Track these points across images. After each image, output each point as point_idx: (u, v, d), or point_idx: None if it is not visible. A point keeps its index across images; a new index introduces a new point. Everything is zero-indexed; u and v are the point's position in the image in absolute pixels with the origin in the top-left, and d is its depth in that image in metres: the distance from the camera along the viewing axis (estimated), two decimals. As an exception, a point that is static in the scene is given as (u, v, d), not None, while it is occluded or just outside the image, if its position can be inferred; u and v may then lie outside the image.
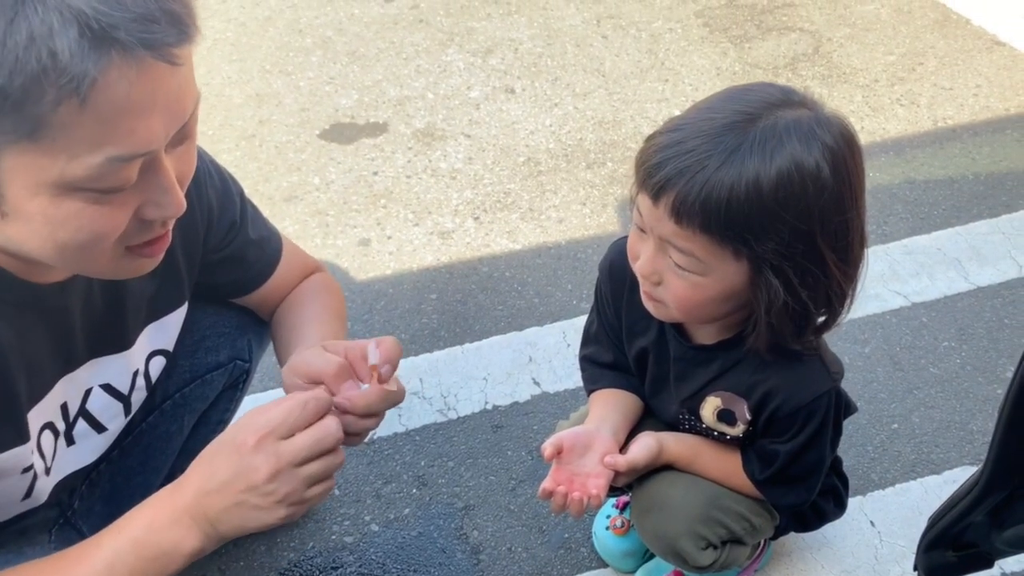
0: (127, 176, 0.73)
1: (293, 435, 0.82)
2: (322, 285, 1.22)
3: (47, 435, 0.98)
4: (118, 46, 0.66)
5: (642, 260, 1.01)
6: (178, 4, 0.69)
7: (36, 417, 0.95)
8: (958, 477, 1.50)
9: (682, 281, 0.98)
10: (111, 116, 0.69)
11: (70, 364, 0.97)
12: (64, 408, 0.99)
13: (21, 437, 0.92)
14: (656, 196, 0.94)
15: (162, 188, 0.77)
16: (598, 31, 2.75)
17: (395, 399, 0.95)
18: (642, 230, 1.00)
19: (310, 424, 0.83)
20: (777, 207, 0.92)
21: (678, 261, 0.97)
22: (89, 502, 1.15)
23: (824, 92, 2.45)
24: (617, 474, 1.10)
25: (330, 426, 0.84)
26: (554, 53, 2.65)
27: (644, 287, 1.04)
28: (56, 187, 0.72)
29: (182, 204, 0.80)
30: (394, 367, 0.95)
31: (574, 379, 1.66)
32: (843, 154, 0.95)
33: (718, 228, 0.93)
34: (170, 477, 1.29)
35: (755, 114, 0.93)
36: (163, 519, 0.82)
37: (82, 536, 1.13)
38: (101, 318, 0.97)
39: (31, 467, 0.95)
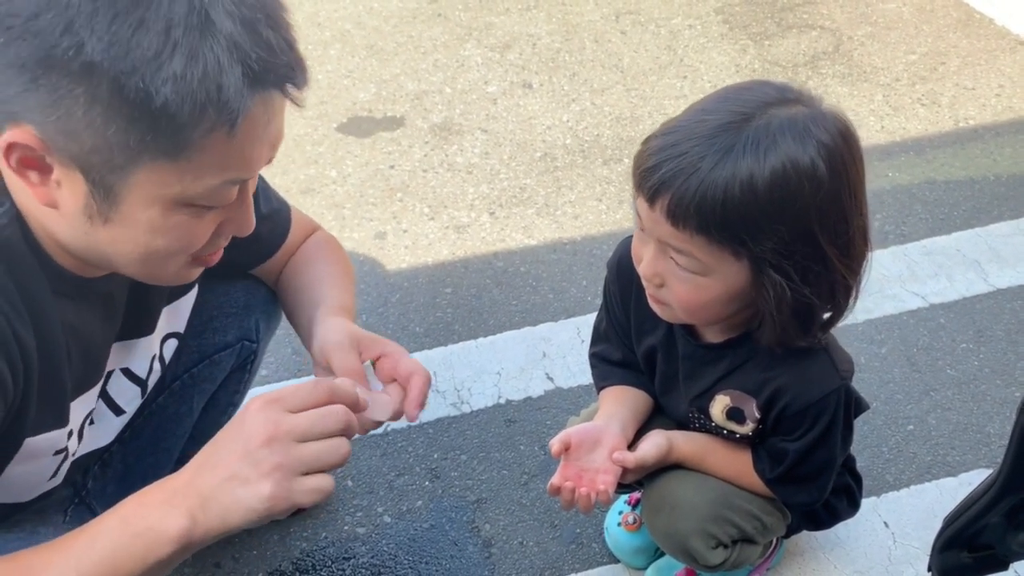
0: (230, 195, 0.82)
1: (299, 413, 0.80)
2: (325, 243, 1.23)
3: (87, 420, 1.00)
4: (266, 86, 0.76)
5: (644, 262, 1.01)
6: (300, 54, 0.79)
7: (83, 402, 0.97)
8: (974, 480, 1.49)
9: (684, 283, 0.98)
10: (244, 145, 0.78)
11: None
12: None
13: (60, 421, 0.93)
14: (652, 199, 0.94)
15: (243, 209, 0.86)
16: (617, 27, 2.74)
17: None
18: (643, 231, 1.00)
19: (319, 406, 0.81)
20: (773, 206, 0.91)
21: (679, 262, 0.97)
22: (102, 482, 1.17)
23: (844, 91, 2.44)
24: (626, 471, 1.10)
25: (337, 409, 0.80)
26: (572, 48, 2.65)
27: (648, 290, 1.04)
28: (172, 201, 0.79)
29: (252, 224, 0.88)
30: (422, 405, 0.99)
31: (587, 375, 1.65)
32: (840, 151, 0.94)
33: (715, 229, 0.93)
34: (182, 460, 1.30)
35: (749, 113, 0.92)
36: (154, 497, 0.80)
37: (95, 516, 1.15)
38: (132, 304, 1.00)
39: (64, 449, 0.97)
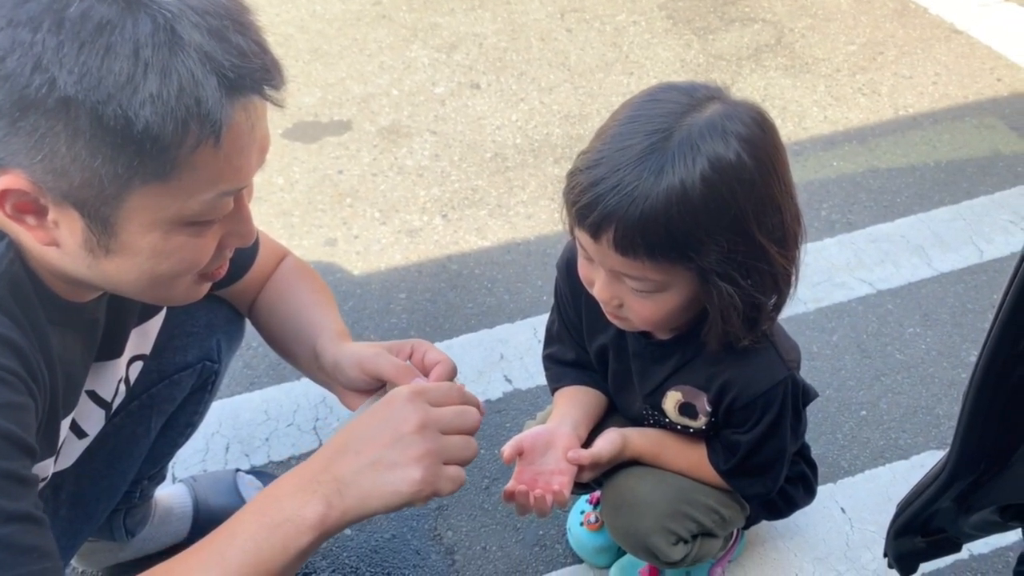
0: (227, 207, 0.81)
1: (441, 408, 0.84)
2: (301, 269, 1.23)
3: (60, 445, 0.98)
4: (245, 92, 0.75)
5: (598, 288, 1.02)
6: (273, 54, 0.78)
7: (63, 428, 0.95)
8: (926, 462, 1.52)
9: (644, 301, 1.00)
10: (232, 155, 0.77)
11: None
12: None
13: (51, 448, 0.93)
14: (596, 234, 0.95)
15: (243, 219, 0.85)
16: (562, 25, 2.74)
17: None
18: (590, 260, 1.01)
19: (455, 403, 0.86)
20: (710, 214, 0.93)
21: (635, 286, 0.99)
22: (53, 505, 1.13)
23: (788, 82, 2.47)
24: (582, 469, 1.10)
25: (472, 410, 0.85)
26: (519, 48, 2.64)
27: (607, 309, 1.05)
28: (170, 222, 0.78)
29: (254, 234, 0.87)
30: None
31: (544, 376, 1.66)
32: (758, 139, 0.95)
33: (663, 252, 0.94)
34: (137, 481, 1.26)
35: (668, 129, 0.93)
36: (287, 487, 0.80)
37: None
38: (108, 326, 0.98)
39: (47, 477, 0.95)
